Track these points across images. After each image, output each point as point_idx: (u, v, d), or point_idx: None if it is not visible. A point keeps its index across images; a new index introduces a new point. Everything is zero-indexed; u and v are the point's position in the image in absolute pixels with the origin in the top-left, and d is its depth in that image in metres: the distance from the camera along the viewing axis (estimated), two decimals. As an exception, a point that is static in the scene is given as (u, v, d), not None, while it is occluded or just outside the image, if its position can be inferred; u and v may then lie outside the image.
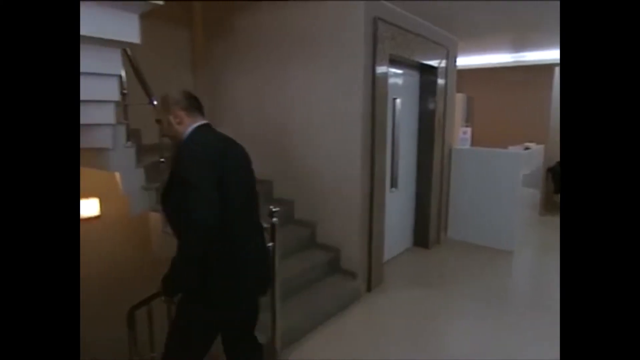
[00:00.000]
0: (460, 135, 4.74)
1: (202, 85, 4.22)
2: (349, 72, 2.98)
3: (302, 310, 2.66)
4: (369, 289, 3.24)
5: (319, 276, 3.06)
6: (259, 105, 3.65)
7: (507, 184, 4.19)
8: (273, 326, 2.18)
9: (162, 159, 2.73)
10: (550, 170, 5.67)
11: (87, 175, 3.41)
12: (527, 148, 5.06)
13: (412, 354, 2.48)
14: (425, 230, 4.25)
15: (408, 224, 4.26)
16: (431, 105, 4.05)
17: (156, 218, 2.86)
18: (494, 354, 2.46)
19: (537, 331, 2.71)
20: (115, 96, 2.38)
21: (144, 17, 2.14)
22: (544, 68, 5.59)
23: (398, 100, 3.63)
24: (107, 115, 2.43)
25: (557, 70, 5.43)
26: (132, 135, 2.88)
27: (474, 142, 4.96)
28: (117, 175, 2.87)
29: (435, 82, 4.00)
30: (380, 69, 3.06)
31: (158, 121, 1.73)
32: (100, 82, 2.28)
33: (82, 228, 3.41)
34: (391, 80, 3.33)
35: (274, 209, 2.06)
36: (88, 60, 2.12)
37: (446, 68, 4.11)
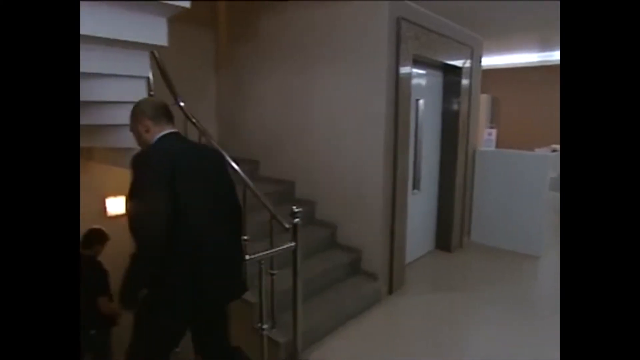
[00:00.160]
0: (485, 137, 4.65)
1: (226, 86, 4.29)
2: (372, 73, 2.97)
3: (323, 310, 2.66)
4: (390, 291, 3.22)
5: (340, 277, 3.06)
6: (281, 106, 3.68)
7: (534, 187, 4.08)
8: (294, 326, 2.19)
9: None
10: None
11: (115, 174, 3.52)
12: (554, 150, 4.93)
13: (433, 357, 2.44)
14: (447, 233, 4.19)
15: (430, 226, 4.21)
16: (455, 106, 3.99)
17: (181, 217, 2.91)
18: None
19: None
20: (143, 97, 2.44)
21: (170, 20, 2.19)
22: (572, 68, 5.41)
23: (421, 101, 3.60)
24: (135, 115, 2.49)
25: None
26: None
27: (499, 143, 4.86)
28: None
29: (459, 82, 3.94)
30: (404, 70, 3.04)
31: (131, 131, 1.74)
32: (129, 84, 2.35)
33: (110, 225, 3.52)
34: (414, 81, 3.30)
35: (296, 210, 2.07)
36: (117, 63, 2.19)
37: (471, 68, 4.05)
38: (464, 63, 3.93)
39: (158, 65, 2.82)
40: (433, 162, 4.08)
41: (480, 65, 4.37)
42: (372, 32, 2.94)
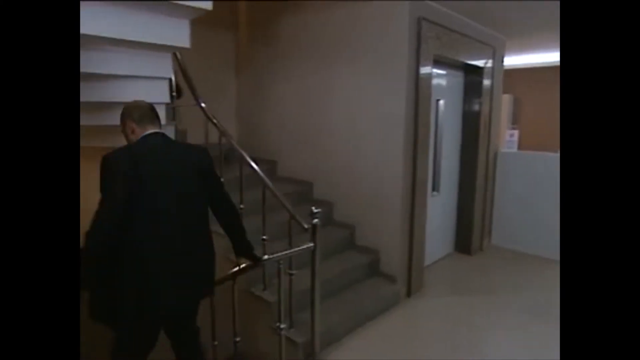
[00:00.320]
0: (507, 138, 4.56)
1: (246, 87, 4.33)
2: (392, 73, 2.95)
3: (341, 311, 2.65)
4: (408, 293, 3.19)
5: (358, 278, 3.05)
6: (300, 106, 3.69)
7: (557, 189, 3.97)
8: (312, 326, 2.19)
9: (208, 159, 2.81)
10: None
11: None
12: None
13: (453, 362, 2.41)
14: (467, 236, 4.13)
15: (450, 228, 4.15)
16: (476, 107, 3.93)
17: (201, 216, 2.95)
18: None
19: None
20: (166, 98, 2.48)
21: (192, 22, 2.22)
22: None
23: (441, 102, 3.56)
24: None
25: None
26: (180, 135, 3.00)
27: (521, 145, 4.75)
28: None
29: (480, 82, 3.87)
30: (424, 70, 3.01)
31: (122, 132, 1.81)
32: (152, 85, 2.39)
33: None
34: (434, 81, 3.26)
35: (315, 210, 2.07)
36: (141, 64, 2.24)
37: (492, 68, 3.98)
38: (486, 63, 3.87)
39: (180, 66, 2.87)
40: (453, 163, 4.02)
41: (502, 65, 4.29)
42: (392, 32, 2.92)
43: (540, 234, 4.11)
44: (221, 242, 2.75)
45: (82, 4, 1.73)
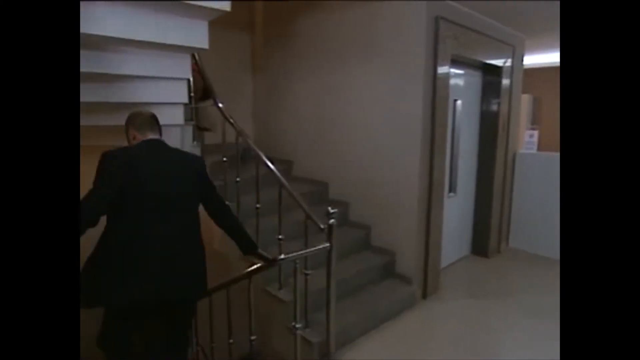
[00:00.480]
0: (526, 139, 4.47)
1: (262, 88, 4.36)
2: (408, 73, 2.93)
3: (357, 312, 2.65)
4: (424, 295, 3.16)
5: (373, 279, 3.04)
6: (315, 106, 3.70)
7: (578, 191, 3.88)
8: (327, 326, 2.19)
9: (225, 159, 2.84)
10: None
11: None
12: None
13: (470, 365, 2.38)
14: (484, 238, 4.06)
15: (466, 230, 4.09)
16: (494, 107, 3.87)
17: (217, 215, 2.98)
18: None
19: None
20: (185, 98, 2.52)
21: (210, 23, 2.24)
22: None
23: (459, 102, 3.52)
24: (177, 116, 2.58)
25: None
26: (198, 135, 3.04)
27: (541, 146, 4.65)
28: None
29: (499, 82, 3.81)
30: (442, 70, 2.98)
31: (126, 138, 1.95)
32: (171, 86, 2.43)
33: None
34: (452, 81, 3.23)
35: (331, 210, 2.07)
36: (161, 65, 2.27)
37: (511, 67, 3.91)
38: (505, 62, 3.81)
39: (198, 67, 2.91)
40: (470, 164, 3.97)
41: (522, 64, 4.21)
42: (409, 31, 2.90)
43: (558, 237, 4.01)
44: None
45: (101, 5, 1.77)
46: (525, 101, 4.85)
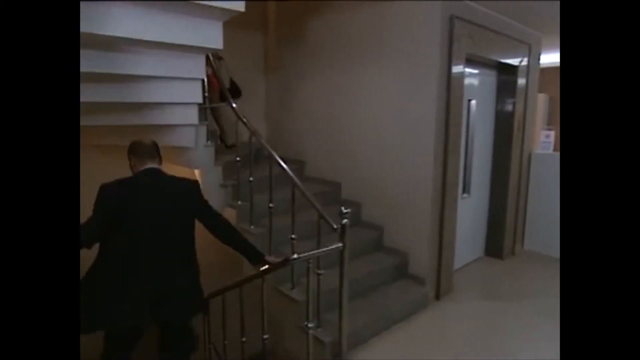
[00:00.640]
0: (542, 139, 4.39)
1: (275, 88, 4.38)
2: (422, 73, 2.91)
3: (369, 312, 2.64)
4: (437, 296, 3.13)
5: (386, 280, 3.02)
6: (328, 106, 3.69)
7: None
8: (340, 326, 2.18)
9: (238, 158, 2.86)
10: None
11: (170, 170, 3.69)
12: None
13: (483, 368, 2.35)
14: (499, 240, 4.01)
15: (480, 232, 4.04)
16: (509, 107, 3.81)
17: (231, 214, 3.01)
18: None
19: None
20: (199, 98, 2.54)
21: (224, 23, 2.26)
22: None
23: (473, 102, 3.48)
24: (191, 116, 2.61)
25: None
26: (211, 135, 3.06)
27: (557, 146, 4.57)
28: (197, 172, 3.07)
29: (514, 81, 3.76)
30: (456, 69, 2.94)
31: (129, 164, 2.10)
32: (185, 86, 2.45)
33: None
34: (466, 81, 3.19)
35: (344, 210, 2.06)
36: (176, 66, 2.30)
37: (527, 66, 3.85)
38: (521, 61, 3.75)
39: (212, 67, 2.93)
40: (485, 165, 3.92)
41: (538, 63, 4.14)
42: (423, 31, 2.88)
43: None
44: (249, 240, 2.79)
45: (116, 6, 1.80)
46: (541, 101, 4.77)
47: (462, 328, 2.82)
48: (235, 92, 3.60)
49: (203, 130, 2.91)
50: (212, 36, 2.21)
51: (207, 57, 2.82)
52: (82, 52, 1.86)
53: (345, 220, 2.06)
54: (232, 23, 2.28)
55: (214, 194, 2.98)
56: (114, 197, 1.86)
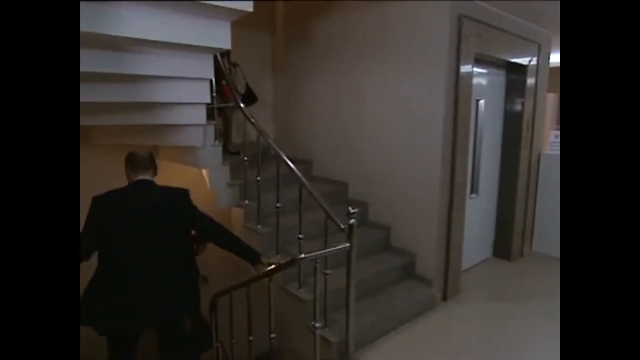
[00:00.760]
0: (551, 139, 4.35)
1: (282, 88, 4.38)
2: (430, 73, 2.89)
3: (376, 313, 2.63)
4: (444, 297, 3.11)
5: (393, 280, 3.01)
6: (335, 107, 3.69)
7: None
8: (347, 326, 2.18)
9: (245, 158, 2.87)
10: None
11: (178, 170, 3.72)
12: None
13: (491, 370, 2.33)
14: (507, 241, 3.98)
15: (488, 232, 4.01)
16: (518, 107, 3.78)
17: (238, 213, 3.02)
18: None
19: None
20: (207, 98, 2.55)
21: (232, 23, 2.26)
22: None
23: (481, 102, 3.45)
24: (199, 116, 2.61)
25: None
26: (219, 135, 3.07)
27: (567, 146, 4.52)
28: (204, 171, 3.09)
29: (524, 81, 3.72)
30: (464, 69, 2.93)
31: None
32: (194, 86, 2.46)
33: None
34: (475, 80, 3.16)
35: (352, 210, 2.06)
36: (184, 66, 2.31)
37: (537, 66, 3.81)
38: (530, 60, 3.72)
39: (221, 67, 2.94)
40: (493, 165, 3.89)
41: (548, 63, 4.10)
42: (431, 30, 2.86)
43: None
44: (257, 239, 2.80)
45: (125, 6, 1.81)
46: (551, 101, 4.70)
47: (469, 329, 2.81)
48: (251, 98, 3.64)
49: (211, 130, 2.91)
50: (220, 36, 2.21)
51: (221, 65, 2.86)
52: (90, 52, 1.89)
53: (352, 220, 2.05)
54: (240, 23, 2.28)
55: (221, 194, 2.99)
56: (104, 210, 1.96)
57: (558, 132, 4.41)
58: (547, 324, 2.83)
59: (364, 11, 3.30)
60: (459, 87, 2.91)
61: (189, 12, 2.04)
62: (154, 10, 1.92)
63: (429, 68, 2.89)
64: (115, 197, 2.02)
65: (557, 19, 3.52)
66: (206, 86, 2.53)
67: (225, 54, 3.36)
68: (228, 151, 3.46)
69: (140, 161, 2.13)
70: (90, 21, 1.69)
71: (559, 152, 4.26)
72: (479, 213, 3.75)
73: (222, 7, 2.03)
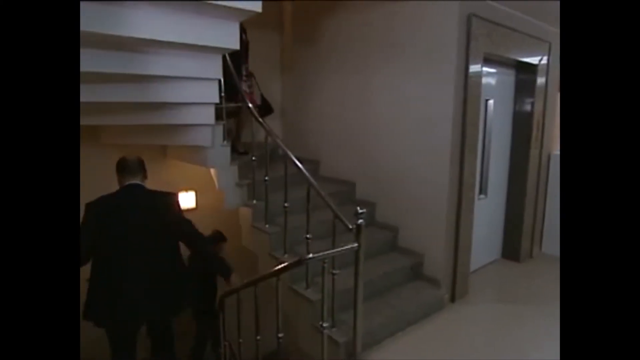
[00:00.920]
0: (562, 140, 4.30)
1: (290, 88, 4.39)
2: (439, 72, 2.87)
3: (383, 313, 2.62)
4: (452, 299, 3.09)
5: (401, 281, 3.00)
6: (343, 106, 3.68)
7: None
8: (354, 326, 2.18)
9: (254, 158, 2.87)
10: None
11: (186, 169, 3.75)
12: None
13: (500, 372, 2.31)
14: (516, 242, 3.94)
15: (497, 234, 3.98)
16: (528, 107, 3.74)
17: (246, 213, 3.03)
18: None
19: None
20: (215, 98, 2.56)
21: (241, 22, 2.27)
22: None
23: (491, 102, 3.43)
24: (208, 116, 2.63)
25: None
26: (228, 135, 3.09)
27: (578, 147, 4.47)
28: (212, 171, 3.10)
29: (534, 81, 3.68)
30: (473, 69, 2.90)
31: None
32: (202, 86, 2.48)
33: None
34: (484, 80, 3.14)
35: (360, 210, 2.05)
36: (192, 66, 2.32)
37: (547, 65, 3.77)
38: (541, 60, 3.67)
39: (229, 67, 2.95)
40: (502, 166, 3.86)
41: (558, 62, 4.05)
42: (440, 30, 2.84)
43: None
44: (264, 239, 2.81)
45: (134, 7, 1.82)
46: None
47: (477, 331, 2.79)
48: (267, 109, 3.66)
49: (219, 130, 2.93)
50: (229, 36, 2.23)
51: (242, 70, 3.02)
52: (99, 52, 1.91)
53: (360, 220, 2.05)
54: (249, 23, 2.29)
55: (229, 193, 3.01)
56: (101, 213, 2.09)
57: (568, 133, 4.36)
58: (556, 326, 2.79)
59: (372, 11, 3.29)
60: (468, 86, 2.89)
61: (198, 13, 2.06)
62: (164, 11, 1.94)
63: (438, 68, 2.88)
64: (108, 201, 2.15)
65: (568, 18, 3.49)
66: (215, 86, 2.54)
67: (245, 59, 3.39)
68: (236, 151, 3.47)
69: (130, 166, 2.24)
70: (100, 22, 1.71)
71: (569, 153, 4.21)
72: (487, 214, 3.72)
73: (231, 8, 2.04)
